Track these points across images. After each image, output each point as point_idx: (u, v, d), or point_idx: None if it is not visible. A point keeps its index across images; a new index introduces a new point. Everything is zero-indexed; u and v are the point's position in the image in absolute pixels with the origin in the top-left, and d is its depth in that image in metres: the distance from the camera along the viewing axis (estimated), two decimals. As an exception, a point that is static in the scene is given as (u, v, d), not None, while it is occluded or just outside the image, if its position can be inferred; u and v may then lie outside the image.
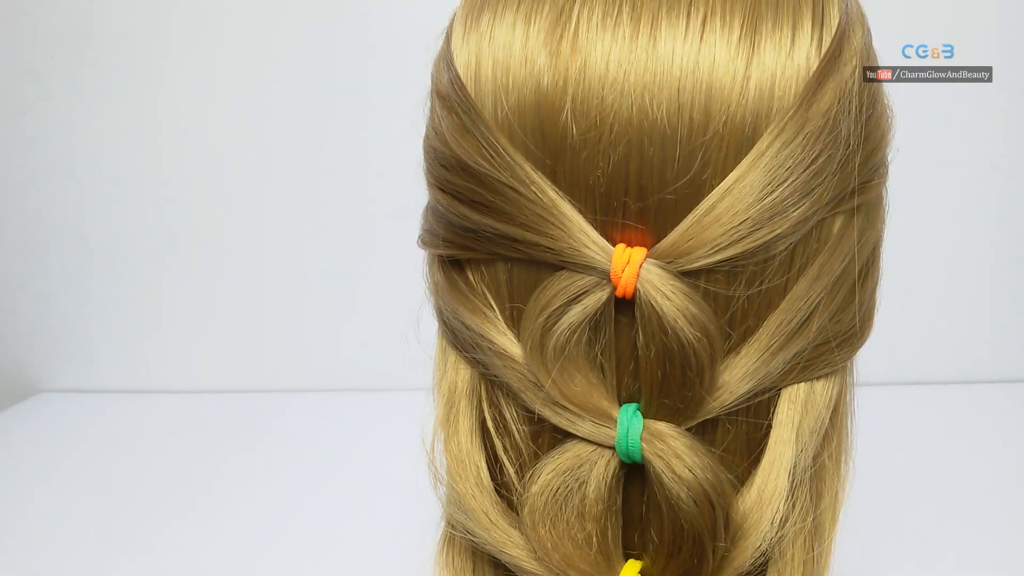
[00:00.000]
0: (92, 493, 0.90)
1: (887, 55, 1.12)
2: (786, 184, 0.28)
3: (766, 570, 0.30)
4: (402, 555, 0.70)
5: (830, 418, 0.31)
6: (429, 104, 0.35)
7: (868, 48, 0.32)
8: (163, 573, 0.74)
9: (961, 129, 1.02)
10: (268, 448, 0.99)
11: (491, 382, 0.33)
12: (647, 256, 0.29)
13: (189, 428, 1.06)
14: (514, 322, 0.32)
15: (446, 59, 0.33)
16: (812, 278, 0.30)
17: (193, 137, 1.08)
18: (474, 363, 0.33)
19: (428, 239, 0.35)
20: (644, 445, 0.28)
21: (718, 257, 0.28)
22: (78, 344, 1.17)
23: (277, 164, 1.08)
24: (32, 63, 1.07)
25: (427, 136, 0.34)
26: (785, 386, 0.30)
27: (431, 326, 0.38)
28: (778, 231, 0.28)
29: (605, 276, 0.29)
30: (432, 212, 0.35)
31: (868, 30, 0.32)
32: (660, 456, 0.28)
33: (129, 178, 1.10)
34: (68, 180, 1.11)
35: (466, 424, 0.32)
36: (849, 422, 0.34)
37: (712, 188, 0.28)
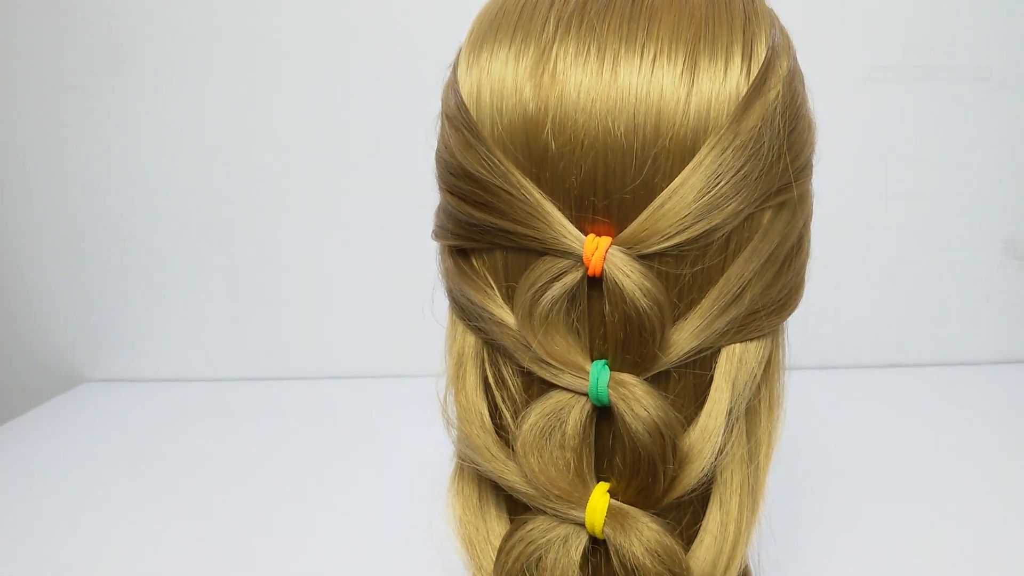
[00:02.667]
0: (134, 478, 0.92)
1: (885, 57, 1.14)
2: (720, 186, 0.34)
3: (711, 489, 0.37)
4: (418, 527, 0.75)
5: (762, 372, 0.37)
6: (439, 123, 0.41)
7: (793, 73, 0.38)
8: (204, 554, 0.76)
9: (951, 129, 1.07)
10: (304, 432, 1.02)
11: (491, 346, 0.39)
12: (612, 244, 0.34)
13: (226, 414, 1.09)
14: (509, 298, 0.37)
15: (453, 87, 0.39)
16: (745, 260, 0.36)
17: (223, 144, 1.13)
18: (477, 331, 0.39)
19: (440, 232, 0.42)
20: (611, 391, 0.34)
21: (667, 244, 0.34)
22: (119, 336, 1.21)
23: (303, 170, 1.13)
24: (74, 78, 1.12)
25: (438, 149, 0.40)
26: (724, 345, 0.36)
27: (442, 306, 0.44)
28: (715, 223, 0.34)
29: (579, 260, 0.35)
30: (443, 211, 0.41)
31: (794, 57, 0.39)
32: (623, 399, 0.34)
33: (164, 182, 1.15)
34: (108, 185, 1.15)
35: (472, 380, 0.39)
36: (780, 376, 0.40)
37: (662, 189, 0.34)
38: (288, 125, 1.12)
